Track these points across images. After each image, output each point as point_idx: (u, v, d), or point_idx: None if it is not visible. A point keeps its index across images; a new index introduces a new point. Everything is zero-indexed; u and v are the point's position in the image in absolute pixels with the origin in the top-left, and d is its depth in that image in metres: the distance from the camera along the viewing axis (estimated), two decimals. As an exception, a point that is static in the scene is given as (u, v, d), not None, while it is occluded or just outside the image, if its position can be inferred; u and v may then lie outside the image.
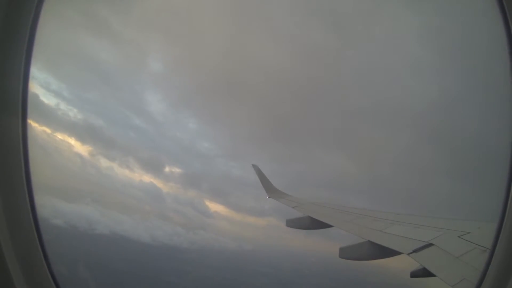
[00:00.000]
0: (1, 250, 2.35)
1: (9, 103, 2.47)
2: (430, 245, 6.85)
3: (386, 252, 7.75)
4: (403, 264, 7.33)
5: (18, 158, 2.51)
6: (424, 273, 6.29)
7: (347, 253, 8.57)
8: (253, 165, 17.19)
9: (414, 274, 6.62)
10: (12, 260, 2.40)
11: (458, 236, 6.78)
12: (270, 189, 15.93)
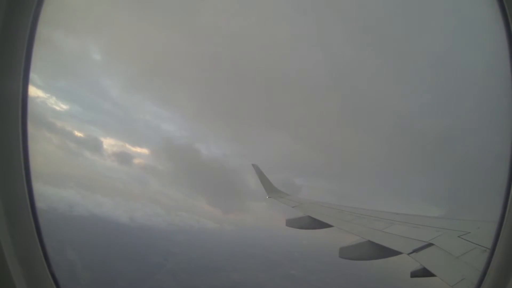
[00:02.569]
0: (1, 250, 2.35)
1: (9, 103, 2.46)
2: (430, 245, 6.85)
3: (386, 252, 7.75)
4: (403, 264, 7.32)
5: (18, 162, 2.50)
6: (424, 273, 6.30)
7: (347, 253, 8.57)
8: (253, 165, 17.18)
9: (414, 274, 6.62)
10: (12, 260, 2.40)
11: (458, 236, 6.78)
12: (270, 188, 15.92)
